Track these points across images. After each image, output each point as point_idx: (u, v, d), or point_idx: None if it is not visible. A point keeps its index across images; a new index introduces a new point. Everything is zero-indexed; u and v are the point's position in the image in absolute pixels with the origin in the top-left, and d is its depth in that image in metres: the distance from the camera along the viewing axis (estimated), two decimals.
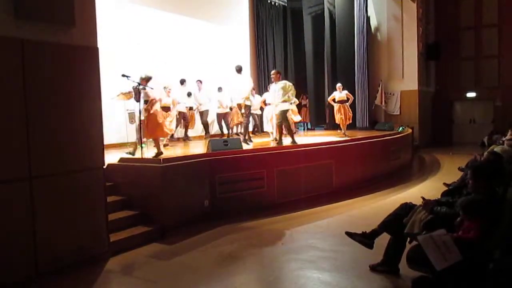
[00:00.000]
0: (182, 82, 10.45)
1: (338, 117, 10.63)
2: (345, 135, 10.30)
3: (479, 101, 16.89)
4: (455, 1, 16.95)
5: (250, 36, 14.21)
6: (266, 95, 10.13)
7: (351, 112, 10.86)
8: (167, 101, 8.47)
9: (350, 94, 10.83)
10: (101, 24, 4.65)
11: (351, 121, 10.99)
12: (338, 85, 10.89)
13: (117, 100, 8.28)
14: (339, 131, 11.25)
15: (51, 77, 4.03)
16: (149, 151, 6.58)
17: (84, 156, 4.30)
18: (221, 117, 10.79)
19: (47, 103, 4.00)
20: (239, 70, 8.68)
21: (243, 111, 8.81)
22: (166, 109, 8.26)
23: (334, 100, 10.72)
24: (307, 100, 14.81)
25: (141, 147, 6.53)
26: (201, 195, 5.82)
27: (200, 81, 10.58)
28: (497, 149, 5.68)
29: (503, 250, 2.80)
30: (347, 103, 10.61)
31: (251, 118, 10.65)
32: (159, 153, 6.26)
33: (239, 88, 8.55)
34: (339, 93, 10.67)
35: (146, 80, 6.50)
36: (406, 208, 3.62)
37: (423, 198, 3.52)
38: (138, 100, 6.47)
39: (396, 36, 14.86)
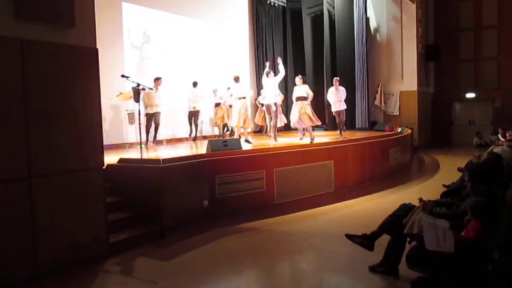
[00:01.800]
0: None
1: (304, 119, 8.81)
2: (302, 139, 8.75)
3: (479, 102, 16.88)
4: (455, 2, 16.94)
5: (249, 37, 14.21)
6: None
7: (308, 111, 8.93)
8: None
9: (310, 90, 9.15)
10: (101, 25, 4.66)
11: (317, 123, 9.15)
12: (297, 78, 9.24)
13: (117, 101, 8.29)
14: (300, 133, 9.70)
15: (50, 77, 4.04)
16: (148, 152, 6.58)
17: (83, 156, 4.31)
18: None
19: (46, 103, 4.00)
20: (267, 74, 8.96)
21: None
22: None
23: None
24: None
25: (140, 147, 6.52)
26: (200, 195, 5.83)
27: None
28: (497, 149, 5.69)
29: (502, 251, 2.81)
30: (305, 101, 9.00)
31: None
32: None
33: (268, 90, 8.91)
34: (298, 88, 9.11)
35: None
36: (406, 209, 3.61)
37: (421, 199, 3.52)
38: (137, 101, 6.46)
39: (396, 36, 14.85)
